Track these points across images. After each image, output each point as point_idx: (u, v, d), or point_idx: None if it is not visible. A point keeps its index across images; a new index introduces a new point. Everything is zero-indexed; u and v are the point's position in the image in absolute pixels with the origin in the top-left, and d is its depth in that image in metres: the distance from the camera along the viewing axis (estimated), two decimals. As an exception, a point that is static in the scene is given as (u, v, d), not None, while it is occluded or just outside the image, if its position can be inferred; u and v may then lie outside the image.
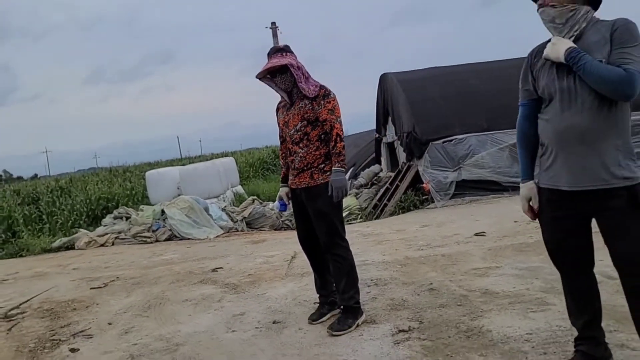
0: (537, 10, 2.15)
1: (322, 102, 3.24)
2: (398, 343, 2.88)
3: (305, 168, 3.31)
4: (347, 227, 9.36)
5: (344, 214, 10.34)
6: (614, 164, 1.99)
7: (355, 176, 16.71)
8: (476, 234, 5.66)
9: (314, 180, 3.29)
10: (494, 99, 9.67)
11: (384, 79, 12.52)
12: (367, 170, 12.62)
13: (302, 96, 3.28)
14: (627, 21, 2.01)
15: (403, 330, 3.06)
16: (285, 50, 3.31)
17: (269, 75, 3.33)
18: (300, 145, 3.30)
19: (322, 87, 3.30)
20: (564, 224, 2.17)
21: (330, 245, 3.31)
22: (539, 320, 2.95)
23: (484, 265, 4.30)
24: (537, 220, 2.30)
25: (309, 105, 3.26)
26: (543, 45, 2.20)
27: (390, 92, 11.95)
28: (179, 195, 15.36)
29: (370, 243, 6.11)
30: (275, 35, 16.74)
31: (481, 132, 9.28)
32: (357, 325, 3.21)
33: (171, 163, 42.66)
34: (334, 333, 3.13)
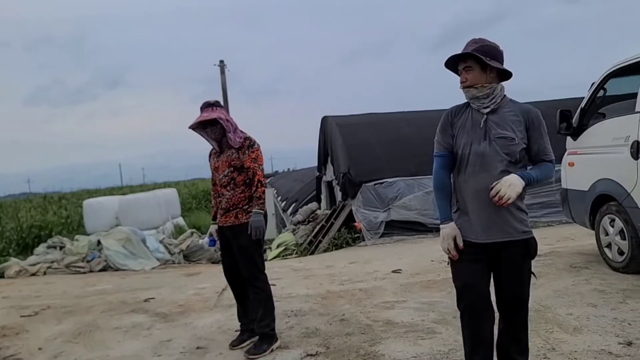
0: (461, 88, 2.47)
1: (247, 151, 3.69)
2: (304, 365, 3.31)
3: (231, 208, 3.72)
4: (281, 262, 9.75)
5: (280, 249, 10.76)
6: (516, 220, 2.40)
7: (295, 212, 17.19)
8: (393, 271, 6.20)
9: (238, 220, 3.71)
10: (422, 147, 10.42)
11: (324, 121, 13.22)
12: (305, 207, 13.13)
13: (229, 145, 3.74)
14: (538, 113, 2.45)
15: (311, 355, 3.50)
16: (216, 105, 3.79)
17: (201, 127, 3.78)
18: (227, 188, 3.73)
19: (247, 138, 3.75)
20: (473, 269, 2.45)
21: (251, 278, 3.76)
22: (424, 347, 3.47)
23: (393, 299, 4.82)
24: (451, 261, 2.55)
25: (235, 154, 3.70)
26: (461, 106, 2.53)
27: (330, 134, 12.64)
28: (116, 225, 15.26)
29: (299, 277, 6.53)
30: (222, 72, 17.26)
31: (409, 176, 10.01)
32: (272, 350, 3.63)
33: (111, 191, 41.65)
34: (250, 357, 3.54)
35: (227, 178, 3.73)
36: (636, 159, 4.42)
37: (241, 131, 3.80)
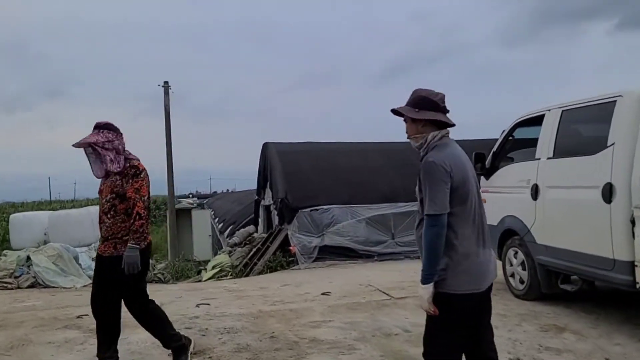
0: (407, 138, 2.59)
1: (130, 180, 3.53)
2: (234, 376, 3.61)
3: (109, 237, 3.57)
4: (216, 283, 9.92)
5: (215, 271, 10.90)
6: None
7: (233, 234, 17.32)
8: (323, 294, 6.59)
9: (117, 251, 3.53)
10: (355, 176, 11.12)
11: (265, 147, 13.61)
12: (242, 230, 13.35)
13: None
14: (426, 164, 2.38)
15: (240, 368, 3.80)
16: (104, 128, 3.60)
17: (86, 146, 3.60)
18: (108, 215, 3.56)
19: (133, 166, 3.58)
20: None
21: (133, 306, 3.74)
22: (343, 360, 3.86)
23: (320, 319, 5.19)
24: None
25: (119, 180, 3.55)
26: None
27: (270, 160, 13.04)
28: (45, 241, 14.78)
29: (232, 298, 6.78)
30: (166, 93, 17.31)
31: (343, 204, 10.54)
32: (192, 354, 3.90)
33: (39, 206, 39.81)
34: None
35: (108, 204, 3.57)
36: (535, 199, 5.09)
37: (129, 157, 3.64)
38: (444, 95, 2.52)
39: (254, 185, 16.08)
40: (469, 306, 2.39)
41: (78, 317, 5.68)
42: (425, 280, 2.34)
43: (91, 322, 5.39)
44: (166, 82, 17.52)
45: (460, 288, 2.35)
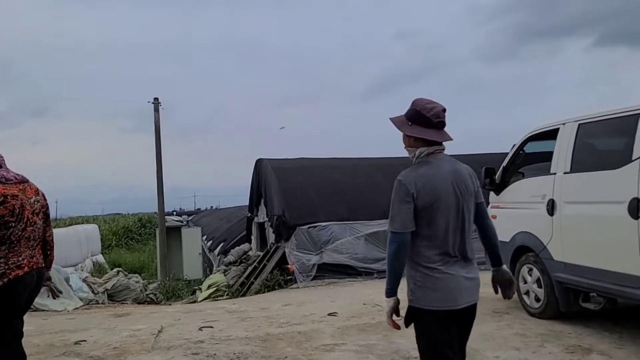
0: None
1: None
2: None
3: None
4: (214, 304, 9.64)
5: (211, 290, 10.60)
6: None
7: (225, 252, 17.00)
8: (329, 314, 6.37)
9: None
10: (354, 193, 10.96)
11: (259, 163, 13.41)
12: (237, 248, 13.08)
13: None
14: (397, 180, 2.42)
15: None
16: None
17: None
18: None
19: None
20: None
21: None
22: (368, 387, 3.66)
23: (332, 342, 4.98)
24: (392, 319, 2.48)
25: None
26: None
27: (265, 176, 12.84)
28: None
29: (235, 320, 6.53)
30: (157, 109, 17.06)
31: (342, 221, 10.36)
32: None
33: (21, 224, 38.88)
34: None
35: None
36: (551, 215, 4.98)
37: (10, 173, 3.33)
38: (441, 110, 2.46)
39: (239, 202, 15.90)
40: (438, 322, 2.41)
41: (75, 343, 5.40)
42: (387, 294, 2.44)
43: (91, 349, 5.14)
44: (156, 99, 17.27)
45: (428, 304, 2.40)
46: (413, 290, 2.44)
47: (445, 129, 2.51)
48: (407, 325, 2.48)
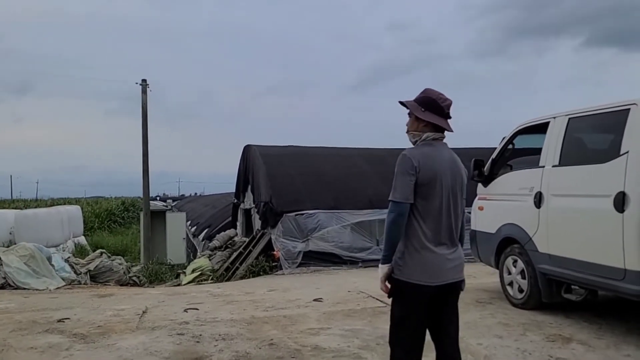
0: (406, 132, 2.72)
1: None
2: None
3: None
4: (198, 287, 9.62)
5: (196, 274, 10.58)
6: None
7: (210, 237, 16.94)
8: (314, 300, 6.40)
9: None
10: (341, 182, 10.97)
11: (247, 149, 13.35)
12: (222, 233, 13.02)
13: None
14: (399, 157, 2.56)
15: (244, 377, 3.58)
16: None
17: None
18: None
19: None
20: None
21: None
22: (353, 370, 3.69)
23: (317, 326, 5.01)
24: (384, 294, 2.64)
25: None
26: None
27: (252, 162, 12.78)
28: (10, 241, 14.14)
29: (221, 303, 6.52)
30: (144, 91, 16.79)
31: (329, 209, 10.37)
32: None
33: (0, 204, 38.29)
34: None
35: None
36: (538, 207, 5.04)
37: None
38: (451, 103, 2.66)
39: (224, 189, 15.78)
40: (419, 296, 2.52)
41: (59, 320, 5.36)
42: (382, 260, 2.57)
43: (74, 327, 5.11)
44: (144, 80, 17.00)
45: (411, 278, 2.50)
46: (400, 264, 2.54)
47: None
48: (389, 296, 2.62)
